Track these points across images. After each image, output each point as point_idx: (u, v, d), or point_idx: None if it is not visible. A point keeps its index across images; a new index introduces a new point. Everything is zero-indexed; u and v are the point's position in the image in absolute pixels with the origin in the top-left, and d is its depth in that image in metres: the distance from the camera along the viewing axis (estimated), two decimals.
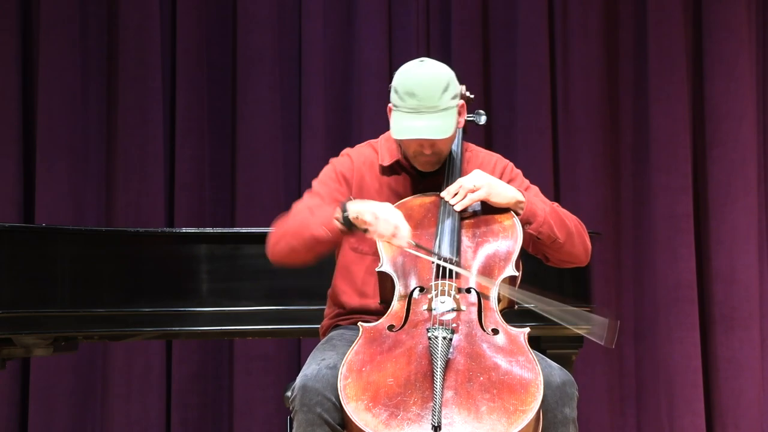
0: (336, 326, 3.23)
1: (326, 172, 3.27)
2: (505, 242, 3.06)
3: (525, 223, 3.10)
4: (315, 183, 3.26)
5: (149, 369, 5.71)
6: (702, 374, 5.85)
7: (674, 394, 5.85)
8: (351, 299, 3.20)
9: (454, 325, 2.86)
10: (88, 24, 5.84)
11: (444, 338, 2.77)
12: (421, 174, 3.22)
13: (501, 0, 6.00)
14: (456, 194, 3.10)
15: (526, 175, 3.31)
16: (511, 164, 3.31)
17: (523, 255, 3.10)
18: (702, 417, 5.82)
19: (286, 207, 5.91)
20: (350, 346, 2.88)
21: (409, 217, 3.10)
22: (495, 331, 2.88)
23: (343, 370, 2.80)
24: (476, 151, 3.32)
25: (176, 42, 5.88)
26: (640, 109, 6.00)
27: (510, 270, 3.02)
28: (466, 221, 3.11)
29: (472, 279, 3.00)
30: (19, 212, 5.72)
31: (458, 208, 3.09)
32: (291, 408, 2.90)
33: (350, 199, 3.04)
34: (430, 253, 3.00)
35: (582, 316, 3.11)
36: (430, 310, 2.92)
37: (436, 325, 2.82)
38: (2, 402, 5.64)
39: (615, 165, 6.00)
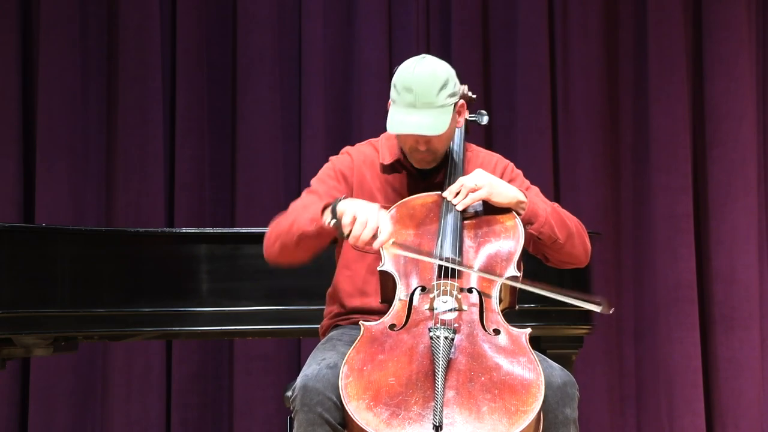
0: (336, 326, 3.23)
1: (325, 170, 3.27)
2: (507, 242, 3.06)
3: (526, 223, 3.10)
4: (313, 181, 3.26)
5: (149, 369, 5.71)
6: (702, 374, 5.85)
7: (674, 394, 5.85)
8: (352, 299, 3.20)
9: (455, 324, 2.86)
10: (88, 24, 5.84)
11: (446, 338, 2.77)
12: (422, 173, 3.22)
13: (501, 0, 6.00)
14: (457, 194, 3.10)
15: (526, 176, 3.31)
16: (511, 164, 3.31)
17: (524, 255, 3.10)
18: (702, 417, 5.83)
19: (286, 207, 5.92)
20: (350, 345, 2.88)
21: (410, 216, 3.10)
22: (496, 332, 2.88)
23: (344, 370, 2.80)
24: (477, 152, 3.32)
25: (176, 42, 5.88)
26: (640, 109, 6.00)
27: (512, 270, 3.02)
28: (468, 221, 3.10)
29: (473, 278, 3.00)
30: (19, 212, 5.72)
31: (460, 207, 3.09)
32: (291, 408, 2.90)
33: (345, 197, 3.02)
34: (419, 253, 2.99)
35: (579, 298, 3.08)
36: (431, 309, 2.92)
37: (438, 325, 2.82)
38: (2, 402, 5.64)
39: (615, 165, 6.00)
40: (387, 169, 3.24)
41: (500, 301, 3.00)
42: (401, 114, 3.07)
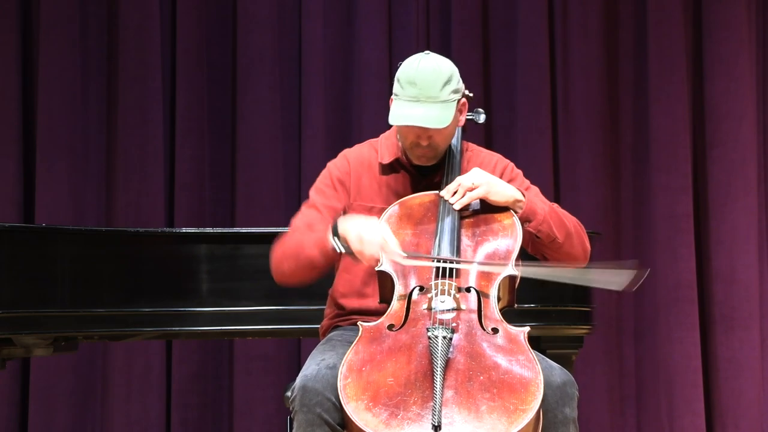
0: (336, 326, 3.23)
1: (322, 178, 3.27)
2: (505, 241, 3.06)
3: (524, 221, 3.10)
4: (312, 192, 3.26)
5: (149, 369, 5.71)
6: (702, 374, 5.85)
7: (674, 394, 5.85)
8: (351, 300, 3.20)
9: (454, 324, 2.86)
10: (88, 24, 5.84)
11: (444, 338, 2.77)
12: (421, 172, 3.22)
13: (501, 0, 6.00)
14: (455, 193, 3.10)
15: (526, 176, 3.31)
16: (511, 164, 3.31)
17: (523, 255, 3.10)
18: (702, 417, 5.82)
19: (286, 207, 5.95)
20: (350, 346, 2.88)
21: (408, 216, 3.11)
22: (495, 331, 2.88)
23: (343, 370, 2.80)
24: (477, 151, 3.32)
25: (176, 42, 5.88)
26: (640, 109, 6.00)
27: (510, 269, 3.02)
28: (466, 220, 3.10)
29: (472, 278, 3.00)
30: (19, 212, 5.72)
31: (457, 206, 3.09)
32: (291, 408, 2.90)
33: (343, 214, 3.02)
34: (424, 257, 2.99)
35: (606, 273, 3.07)
36: (430, 309, 2.92)
37: (436, 325, 2.82)
38: (2, 402, 5.64)
39: (615, 165, 6.00)
40: (386, 169, 3.24)
41: (499, 300, 3.00)
42: (405, 107, 3.07)
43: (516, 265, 3.03)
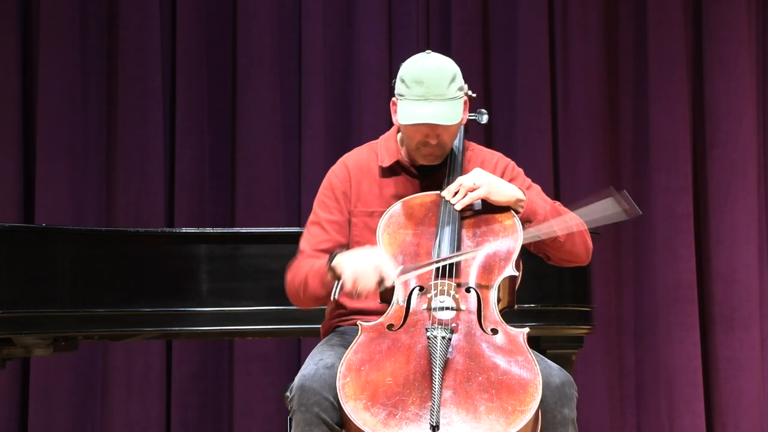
0: (337, 326, 3.23)
1: (323, 189, 3.27)
2: (506, 241, 3.06)
3: (525, 221, 3.10)
4: (315, 205, 3.27)
5: (149, 369, 5.71)
6: (702, 374, 5.85)
7: (674, 394, 5.85)
8: (352, 300, 3.19)
9: (453, 324, 2.86)
10: (88, 24, 5.84)
11: (443, 338, 2.77)
12: (422, 174, 3.22)
13: (501, 0, 6.00)
14: (456, 193, 3.10)
15: (526, 175, 3.31)
16: (512, 163, 3.31)
17: (524, 254, 3.10)
18: (702, 417, 5.82)
19: (286, 207, 5.96)
20: (348, 346, 2.88)
21: (409, 216, 3.10)
22: (494, 331, 2.88)
23: (341, 369, 2.80)
24: (478, 150, 3.31)
25: (176, 42, 5.88)
26: (640, 109, 6.00)
27: (510, 269, 3.02)
28: (467, 220, 3.10)
29: (471, 278, 3.00)
30: (19, 212, 5.72)
31: (458, 207, 3.09)
32: (289, 408, 2.91)
33: (339, 252, 3.02)
34: (426, 265, 2.99)
35: (594, 210, 3.07)
36: (429, 309, 2.91)
37: (435, 325, 2.82)
38: (2, 402, 5.64)
39: (615, 165, 5.99)
40: (386, 172, 3.23)
41: (499, 300, 3.00)
42: (413, 106, 3.07)
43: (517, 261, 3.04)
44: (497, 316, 2.93)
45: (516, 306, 3.14)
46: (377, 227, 3.10)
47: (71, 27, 5.79)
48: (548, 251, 3.17)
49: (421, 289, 2.98)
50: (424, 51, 3.19)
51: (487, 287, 2.99)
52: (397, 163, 3.23)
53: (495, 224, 3.09)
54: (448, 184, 3.14)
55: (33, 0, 5.82)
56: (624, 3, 6.04)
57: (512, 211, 3.11)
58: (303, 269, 3.14)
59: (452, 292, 2.93)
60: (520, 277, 3.08)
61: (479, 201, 3.11)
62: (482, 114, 3.44)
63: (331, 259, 3.00)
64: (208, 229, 4.69)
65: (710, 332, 5.92)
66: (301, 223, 5.57)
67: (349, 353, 2.84)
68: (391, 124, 3.30)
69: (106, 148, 5.83)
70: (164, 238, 4.47)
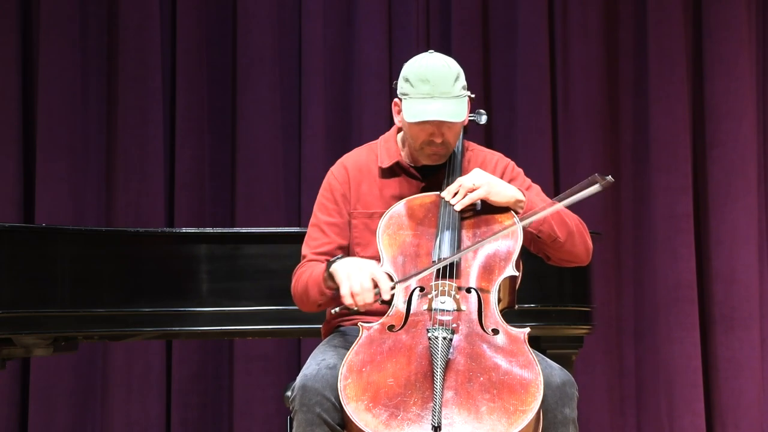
0: (338, 326, 3.23)
1: (323, 191, 3.27)
2: (505, 242, 3.06)
3: None
4: (315, 208, 3.27)
5: (149, 369, 5.71)
6: (702, 374, 5.85)
7: (674, 394, 5.85)
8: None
9: (454, 325, 2.86)
10: (88, 24, 5.84)
11: (444, 338, 2.77)
12: (422, 174, 3.22)
13: (501, 0, 6.00)
14: (456, 194, 3.10)
15: (526, 175, 3.31)
16: (512, 163, 3.31)
17: (524, 254, 3.10)
18: (702, 417, 5.82)
19: (286, 207, 5.95)
20: (350, 346, 2.88)
21: (409, 217, 3.11)
22: (495, 332, 2.88)
23: (343, 371, 2.80)
24: (477, 150, 3.32)
25: (176, 42, 5.88)
26: (640, 109, 6.00)
27: (510, 270, 3.02)
28: (467, 221, 3.10)
29: (472, 278, 3.00)
30: (19, 212, 5.72)
31: (458, 207, 3.09)
32: (291, 408, 2.91)
33: (339, 258, 3.03)
34: (423, 270, 2.99)
35: (579, 188, 3.06)
36: (430, 310, 2.92)
37: (436, 326, 2.82)
38: (2, 402, 5.64)
39: (615, 165, 5.99)
40: (385, 172, 3.24)
41: (499, 301, 3.00)
42: (420, 104, 3.07)
43: (518, 260, 3.04)
44: (498, 317, 2.93)
45: (516, 306, 3.14)
46: (377, 228, 3.10)
47: (71, 27, 5.79)
48: (548, 251, 3.18)
49: (422, 290, 2.98)
50: (424, 51, 3.19)
51: (488, 288, 2.99)
52: (397, 164, 3.23)
53: (495, 224, 3.09)
54: (448, 184, 3.14)
55: (33, 0, 5.82)
56: (624, 3, 6.04)
57: (512, 212, 3.11)
58: (304, 276, 3.16)
59: (453, 293, 2.93)
60: (520, 278, 3.09)
61: (479, 201, 3.11)
62: (481, 114, 3.45)
63: (327, 267, 3.01)
64: (208, 229, 4.69)
65: (710, 332, 5.92)
66: (301, 223, 5.59)
67: (351, 354, 2.84)
68: (391, 124, 3.30)
69: (106, 148, 5.83)
70: (164, 238, 4.47)
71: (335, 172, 3.27)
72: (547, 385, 2.80)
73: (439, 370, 2.71)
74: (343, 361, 2.83)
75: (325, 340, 3.18)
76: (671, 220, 5.89)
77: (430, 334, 2.79)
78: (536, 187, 3.27)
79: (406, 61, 3.18)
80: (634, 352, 5.93)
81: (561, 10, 5.99)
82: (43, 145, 5.73)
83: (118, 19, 5.84)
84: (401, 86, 3.12)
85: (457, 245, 3.04)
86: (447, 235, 3.05)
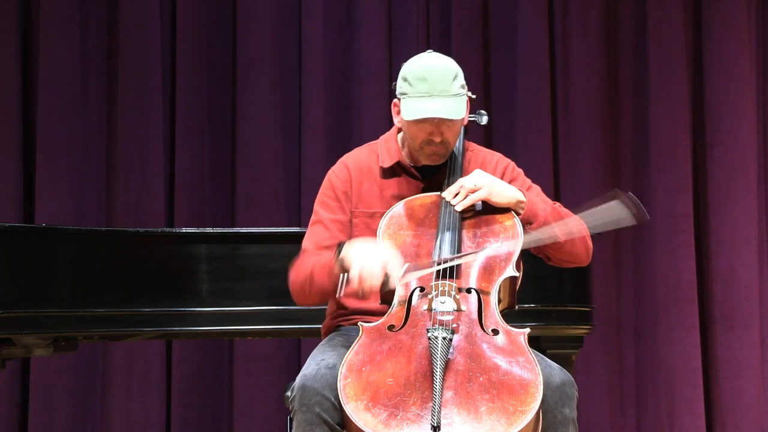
0: (338, 326, 3.23)
1: (324, 189, 3.27)
2: (506, 242, 3.06)
3: (526, 222, 3.10)
4: (316, 205, 3.26)
5: (149, 369, 5.71)
6: (702, 374, 5.85)
7: (674, 394, 5.85)
8: (353, 300, 3.19)
9: (454, 325, 2.86)
10: (88, 24, 5.84)
11: (444, 338, 2.77)
12: (423, 175, 3.22)
13: (501, 0, 6.00)
14: (457, 194, 3.10)
15: (526, 175, 3.31)
16: (512, 164, 3.31)
17: (524, 255, 3.10)
18: (702, 417, 5.82)
19: (286, 207, 5.95)
20: (350, 346, 2.88)
21: (410, 217, 3.11)
22: (495, 332, 2.88)
23: (342, 370, 2.80)
24: (478, 151, 3.32)
25: (176, 42, 5.88)
26: (640, 109, 6.00)
27: (510, 270, 3.02)
28: (467, 221, 3.10)
29: (472, 279, 3.00)
30: (19, 212, 5.72)
31: (459, 208, 3.09)
32: (290, 408, 2.91)
33: (346, 242, 3.01)
34: (428, 266, 2.99)
35: (599, 213, 3.07)
36: (430, 310, 2.92)
37: (436, 326, 2.82)
38: (2, 402, 5.64)
39: (615, 165, 6.00)
40: (386, 172, 3.24)
41: (499, 301, 3.00)
42: (418, 102, 3.07)
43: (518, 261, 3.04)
44: (498, 317, 2.93)
45: (516, 306, 3.14)
46: (378, 228, 3.10)
47: (71, 27, 5.79)
48: (548, 252, 3.18)
49: (422, 290, 2.98)
50: (423, 51, 3.19)
51: (488, 288, 2.99)
52: (398, 164, 3.23)
53: (495, 225, 3.09)
54: (449, 185, 3.15)
55: (33, 0, 5.82)
56: (624, 3, 6.04)
57: (512, 213, 3.11)
58: (308, 264, 3.13)
59: (453, 293, 2.93)
60: (520, 278, 3.09)
61: (480, 202, 3.11)
62: (482, 115, 3.45)
63: (338, 250, 2.99)
64: (208, 229, 4.69)
65: (710, 332, 5.92)
66: (301, 223, 5.59)
67: (350, 354, 2.84)
68: (391, 125, 3.30)
69: (106, 148, 5.83)
70: (164, 238, 4.47)
71: (337, 171, 3.27)
72: (547, 385, 2.80)
73: (438, 370, 2.71)
74: (343, 361, 2.83)
75: (325, 339, 3.18)
76: (671, 220, 5.89)
77: (430, 334, 2.79)
78: (536, 188, 3.28)
79: (406, 61, 3.18)
80: (634, 352, 5.93)
81: (561, 10, 5.99)
82: (43, 145, 5.73)
83: (118, 19, 5.84)
84: (400, 86, 3.12)
85: (458, 246, 3.04)
86: (447, 236, 3.05)
